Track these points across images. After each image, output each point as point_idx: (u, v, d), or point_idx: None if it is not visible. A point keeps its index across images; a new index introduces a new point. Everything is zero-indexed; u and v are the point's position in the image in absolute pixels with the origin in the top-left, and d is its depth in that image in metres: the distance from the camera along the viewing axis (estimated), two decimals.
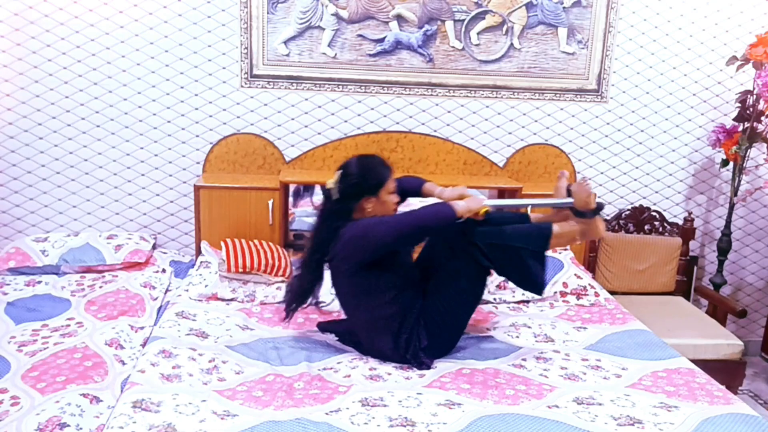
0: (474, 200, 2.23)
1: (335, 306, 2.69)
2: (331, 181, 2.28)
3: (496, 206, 2.34)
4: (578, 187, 2.31)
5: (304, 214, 3.59)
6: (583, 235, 2.35)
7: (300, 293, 2.35)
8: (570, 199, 2.33)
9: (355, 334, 2.36)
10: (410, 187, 2.49)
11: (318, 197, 3.36)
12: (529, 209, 2.33)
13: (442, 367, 2.20)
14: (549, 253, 2.34)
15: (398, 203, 2.35)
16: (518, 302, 2.82)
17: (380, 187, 2.25)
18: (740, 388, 3.20)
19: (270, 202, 3.00)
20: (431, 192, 2.45)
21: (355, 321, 2.32)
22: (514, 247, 2.22)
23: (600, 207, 2.33)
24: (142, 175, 3.20)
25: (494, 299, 2.83)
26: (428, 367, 2.19)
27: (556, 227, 2.28)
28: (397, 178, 2.43)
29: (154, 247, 3.15)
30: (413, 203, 2.50)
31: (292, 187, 3.27)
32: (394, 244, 2.17)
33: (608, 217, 3.47)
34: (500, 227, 2.26)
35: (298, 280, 2.38)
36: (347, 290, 2.29)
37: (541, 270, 2.27)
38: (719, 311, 3.27)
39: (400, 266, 2.28)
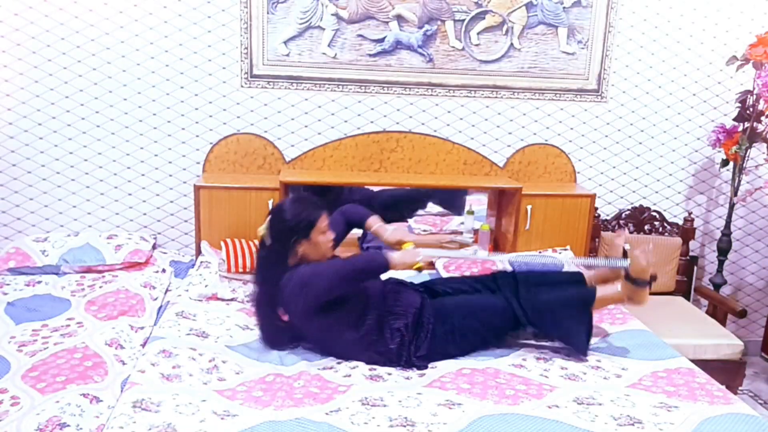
0: (408, 253, 2.26)
1: None
2: (262, 228, 2.27)
3: (430, 257, 2.37)
4: (641, 254, 2.28)
5: None
6: (628, 300, 2.35)
7: (276, 341, 2.31)
8: (625, 263, 2.32)
9: None
10: (354, 220, 2.52)
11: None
12: (420, 259, 2.29)
13: (442, 367, 2.19)
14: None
15: (335, 240, 2.35)
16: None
17: (311, 228, 2.23)
18: (740, 388, 3.20)
19: (270, 202, 2.99)
20: (372, 228, 2.48)
21: (337, 353, 2.26)
22: (556, 312, 2.25)
23: (654, 278, 2.32)
24: (142, 175, 3.21)
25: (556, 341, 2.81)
26: (425, 368, 2.19)
27: (600, 292, 2.31)
28: (341, 209, 2.48)
29: (154, 247, 3.15)
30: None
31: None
32: (333, 293, 2.15)
33: (608, 217, 3.48)
34: (546, 293, 2.29)
35: (263, 332, 2.34)
36: (316, 331, 2.26)
37: (582, 329, 2.29)
38: (719, 311, 3.27)
39: (359, 294, 2.25)
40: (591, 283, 2.49)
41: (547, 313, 2.27)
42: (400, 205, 3.58)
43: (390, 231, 2.44)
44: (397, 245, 2.40)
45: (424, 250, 2.35)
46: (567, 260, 2.66)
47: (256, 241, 2.88)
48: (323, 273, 2.14)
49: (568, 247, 3.19)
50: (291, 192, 3.08)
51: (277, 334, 2.31)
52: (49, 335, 2.30)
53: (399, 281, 2.44)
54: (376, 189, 3.52)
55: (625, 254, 2.43)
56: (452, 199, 3.66)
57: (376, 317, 2.23)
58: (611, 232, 3.42)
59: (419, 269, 2.28)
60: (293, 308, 2.21)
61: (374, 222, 2.49)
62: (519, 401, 1.94)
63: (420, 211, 3.65)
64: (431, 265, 3.00)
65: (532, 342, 2.43)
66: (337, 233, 2.44)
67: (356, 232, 3.38)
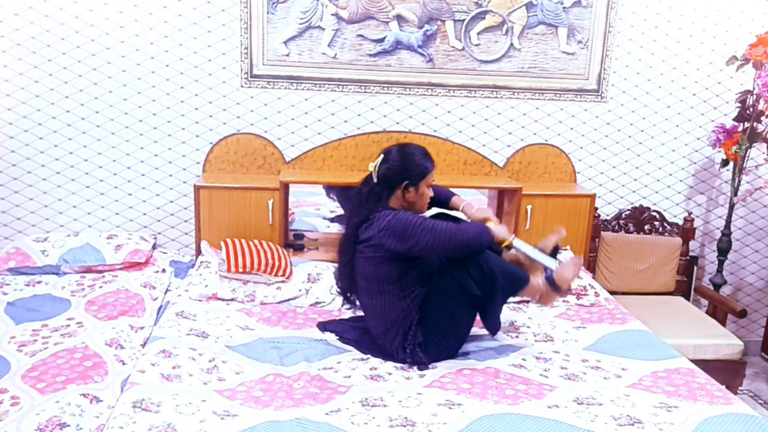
0: (503, 230, 2.29)
1: (335, 305, 2.69)
2: (372, 164, 2.30)
3: (520, 246, 2.34)
4: (573, 264, 2.31)
5: (304, 214, 3.60)
6: (540, 299, 2.35)
7: (349, 280, 2.35)
8: (555, 264, 2.32)
9: (355, 332, 2.36)
10: (440, 198, 2.51)
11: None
12: (513, 240, 2.29)
13: (443, 367, 2.20)
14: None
15: (432, 197, 2.37)
16: (518, 302, 2.82)
17: (422, 178, 2.27)
18: (740, 388, 3.20)
19: (270, 202, 3.00)
20: (458, 206, 2.49)
21: (366, 306, 2.31)
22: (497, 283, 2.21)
23: (568, 291, 2.34)
24: (142, 175, 3.21)
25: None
26: (426, 366, 2.19)
27: (531, 281, 2.30)
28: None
29: (154, 247, 3.15)
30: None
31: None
32: (434, 254, 2.18)
33: (608, 217, 3.48)
34: (494, 261, 2.24)
35: (338, 268, 2.38)
36: (368, 275, 2.26)
37: (498, 309, 2.28)
38: (719, 311, 3.27)
39: (427, 267, 2.28)
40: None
41: (489, 278, 2.20)
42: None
43: (476, 209, 2.44)
44: (483, 222, 2.39)
45: (518, 241, 2.34)
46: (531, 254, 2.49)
47: (256, 241, 2.89)
48: (436, 231, 2.14)
49: (568, 247, 3.19)
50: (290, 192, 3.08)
51: (353, 281, 2.33)
52: (49, 335, 2.30)
53: None
54: None
55: (554, 252, 2.42)
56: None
57: (420, 296, 2.25)
58: (611, 232, 3.42)
59: (508, 246, 2.29)
60: (385, 241, 2.17)
61: (459, 201, 2.51)
62: (519, 401, 1.94)
63: None
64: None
65: (531, 343, 2.43)
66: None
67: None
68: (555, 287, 2.29)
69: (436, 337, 2.23)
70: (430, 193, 2.35)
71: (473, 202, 2.50)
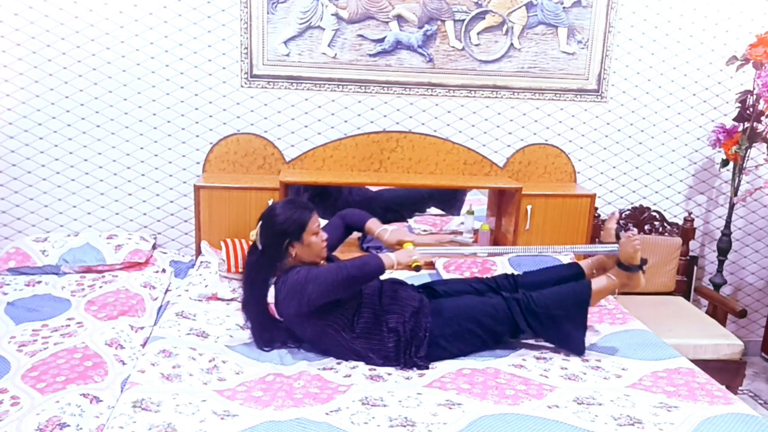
0: (404, 253, 2.27)
1: None
2: (253, 233, 2.28)
3: (426, 255, 2.36)
4: (626, 241, 2.32)
5: None
6: (623, 287, 2.38)
7: (267, 340, 2.31)
8: (615, 247, 2.36)
9: None
10: (353, 223, 2.52)
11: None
12: (419, 256, 2.30)
13: (443, 367, 2.19)
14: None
15: (335, 242, 2.38)
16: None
17: (302, 231, 2.23)
18: (740, 388, 3.20)
19: (270, 202, 2.99)
20: (372, 231, 2.48)
21: (337, 354, 2.26)
22: (554, 316, 2.25)
23: (644, 262, 2.35)
24: (142, 175, 3.21)
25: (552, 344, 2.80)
26: (426, 368, 2.19)
27: (594, 285, 2.33)
28: (341, 213, 2.49)
29: (154, 247, 3.15)
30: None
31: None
32: (328, 298, 2.14)
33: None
34: (544, 296, 2.28)
35: (254, 332, 2.33)
36: (310, 334, 2.26)
37: (580, 332, 2.30)
38: (719, 311, 3.27)
39: (353, 296, 2.24)
40: (589, 273, 2.51)
41: (544, 317, 2.26)
42: (400, 207, 3.58)
43: (389, 232, 2.44)
44: (398, 245, 2.40)
45: (421, 249, 2.35)
46: (560, 249, 2.68)
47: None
48: (318, 278, 2.12)
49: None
50: (290, 192, 3.08)
51: (268, 333, 2.31)
52: (49, 335, 2.30)
53: (397, 281, 2.44)
54: (375, 189, 3.53)
55: (617, 238, 2.45)
56: (450, 201, 3.66)
57: (372, 315, 2.23)
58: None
59: (417, 268, 2.27)
60: (287, 311, 2.21)
61: (373, 225, 2.49)
62: (519, 401, 1.94)
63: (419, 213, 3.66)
64: (431, 265, 3.00)
65: (531, 341, 2.43)
66: (336, 236, 2.46)
67: (357, 233, 3.39)
68: (628, 268, 2.33)
69: (441, 347, 2.23)
70: (322, 238, 2.29)
71: (389, 226, 2.48)
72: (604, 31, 3.31)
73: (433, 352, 2.22)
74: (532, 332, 2.31)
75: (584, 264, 2.54)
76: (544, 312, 2.26)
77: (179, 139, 3.19)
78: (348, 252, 3.18)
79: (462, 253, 2.62)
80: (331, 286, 2.11)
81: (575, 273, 2.51)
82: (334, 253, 2.51)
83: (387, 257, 2.20)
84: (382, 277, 2.32)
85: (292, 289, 2.16)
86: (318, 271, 2.17)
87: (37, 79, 3.03)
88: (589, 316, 2.72)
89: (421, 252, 2.33)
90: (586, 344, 2.33)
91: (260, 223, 2.27)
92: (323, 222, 2.44)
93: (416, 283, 2.53)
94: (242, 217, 3.01)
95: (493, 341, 2.31)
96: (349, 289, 2.17)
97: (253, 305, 2.31)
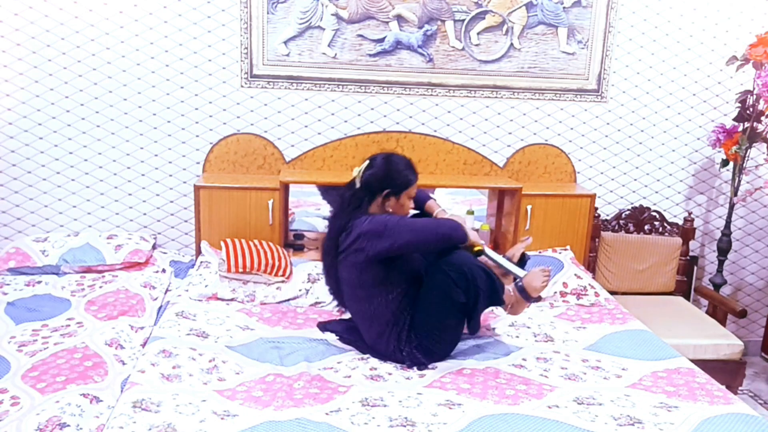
0: (476, 235, 2.33)
1: (335, 305, 2.69)
2: (357, 170, 2.31)
3: (485, 253, 2.37)
4: (539, 274, 2.33)
5: (304, 214, 3.60)
6: (511, 308, 2.38)
7: (334, 283, 2.36)
8: (522, 273, 2.36)
9: (356, 332, 2.36)
10: (417, 199, 2.52)
11: None
12: (484, 246, 2.33)
13: (442, 367, 2.20)
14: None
15: (412, 208, 2.40)
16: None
17: (404, 188, 2.29)
18: (740, 388, 3.20)
19: (270, 202, 3.00)
20: (432, 210, 2.51)
21: (355, 313, 2.33)
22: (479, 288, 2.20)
23: (539, 298, 2.36)
24: (142, 175, 3.21)
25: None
26: (425, 366, 2.19)
27: (507, 289, 2.33)
28: None
29: (154, 247, 3.15)
30: None
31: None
32: (412, 249, 2.21)
33: (608, 217, 3.48)
34: (476, 267, 2.23)
35: (324, 270, 2.39)
36: (353, 281, 2.27)
37: (480, 316, 2.28)
38: (719, 311, 3.27)
39: (409, 265, 2.29)
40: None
41: (475, 289, 2.18)
42: None
43: (449, 215, 2.47)
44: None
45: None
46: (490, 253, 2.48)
47: (256, 241, 2.89)
48: (410, 226, 2.17)
49: (568, 247, 3.19)
50: (288, 188, 3.07)
51: (337, 284, 2.34)
52: (49, 335, 2.30)
53: None
54: None
55: (521, 260, 2.46)
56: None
57: (408, 296, 2.25)
58: (611, 232, 3.42)
59: (479, 253, 2.31)
60: (364, 245, 2.17)
61: (433, 205, 2.54)
62: (519, 401, 1.94)
63: None
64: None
65: (531, 341, 2.43)
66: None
67: None
68: (525, 295, 2.33)
69: (429, 340, 2.22)
70: (411, 205, 2.35)
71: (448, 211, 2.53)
72: (604, 31, 3.31)
73: (426, 344, 2.22)
74: (464, 295, 2.21)
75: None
76: (471, 277, 2.18)
77: (179, 139, 3.19)
78: None
79: (509, 269, 2.51)
80: (422, 238, 2.17)
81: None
82: None
83: (469, 232, 2.25)
84: None
85: (379, 229, 2.16)
86: (415, 220, 2.22)
87: (37, 79, 3.03)
88: (588, 316, 2.73)
89: (488, 249, 2.36)
90: (592, 341, 2.31)
91: (368, 163, 2.30)
92: None
93: None
94: (242, 217, 3.01)
95: (459, 315, 2.26)
96: (433, 247, 2.23)
97: (332, 239, 2.29)
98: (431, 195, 2.61)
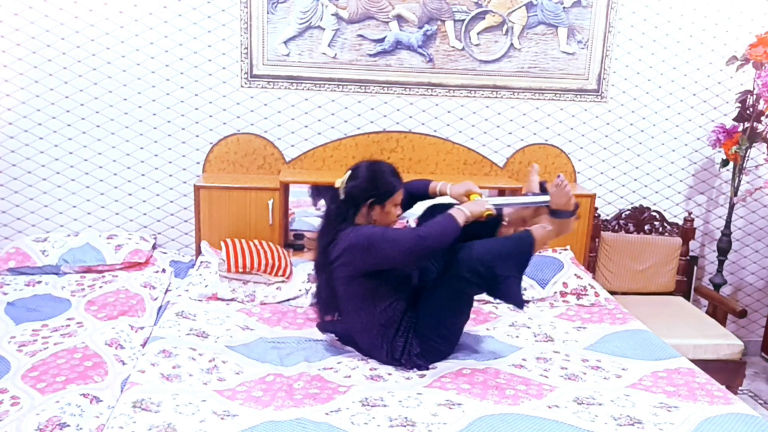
0: (476, 204, 2.21)
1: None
2: (339, 180, 2.26)
3: (497, 206, 2.30)
4: (557, 189, 2.26)
5: (304, 214, 3.60)
6: (556, 234, 2.30)
7: (327, 301, 2.34)
8: (547, 198, 2.28)
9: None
10: (418, 191, 2.48)
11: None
12: (492, 207, 2.24)
13: (442, 367, 2.20)
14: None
15: (400, 215, 2.34)
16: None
17: (389, 196, 2.23)
18: (740, 388, 3.20)
19: (270, 202, 3.00)
20: (437, 191, 2.43)
21: (350, 324, 2.29)
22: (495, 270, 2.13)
23: (577, 206, 2.29)
24: (142, 175, 3.21)
25: (495, 299, 2.82)
26: (426, 368, 2.19)
27: (535, 232, 2.23)
28: (404, 183, 2.41)
29: (154, 247, 3.15)
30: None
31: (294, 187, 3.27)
32: (399, 263, 2.15)
33: (608, 217, 3.48)
34: (488, 252, 2.15)
35: (317, 287, 2.39)
36: (344, 294, 2.25)
37: (519, 287, 2.20)
38: (719, 311, 3.27)
39: (399, 274, 2.26)
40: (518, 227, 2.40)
41: (487, 274, 2.13)
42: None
43: (455, 186, 2.39)
44: (465, 197, 2.34)
45: (492, 199, 2.30)
46: (490, 200, 2.36)
47: (256, 241, 2.89)
48: (395, 239, 2.10)
49: (568, 247, 3.19)
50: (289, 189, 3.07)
51: (331, 302, 2.31)
52: (49, 335, 2.30)
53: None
54: None
55: (542, 189, 2.37)
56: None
57: (399, 307, 2.22)
58: (612, 232, 3.42)
59: (490, 215, 2.22)
60: (349, 259, 2.15)
61: (436, 186, 2.45)
62: (519, 401, 1.94)
63: None
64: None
65: (530, 341, 2.43)
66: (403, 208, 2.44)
67: None
68: (564, 215, 2.26)
69: (431, 345, 2.22)
70: (398, 212, 2.29)
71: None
72: (604, 31, 3.31)
73: (426, 345, 2.21)
74: (483, 290, 2.22)
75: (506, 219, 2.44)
76: (485, 269, 2.13)
77: (179, 139, 3.19)
78: None
79: (531, 202, 2.46)
80: (408, 252, 2.08)
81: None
82: None
83: (460, 212, 2.16)
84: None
85: (364, 242, 2.11)
86: (397, 232, 2.14)
87: (37, 79, 3.03)
88: (588, 316, 2.73)
89: (493, 202, 2.27)
90: (592, 341, 2.30)
91: (350, 173, 2.25)
92: None
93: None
94: (242, 217, 3.01)
95: (464, 308, 2.25)
96: (422, 260, 2.17)
97: (321, 255, 2.27)
98: (429, 181, 2.50)
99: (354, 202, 2.23)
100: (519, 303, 2.18)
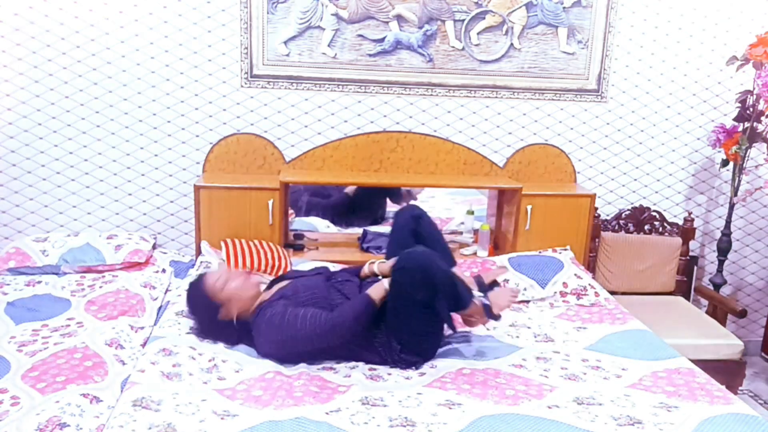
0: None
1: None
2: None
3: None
4: (507, 291, 2.32)
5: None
6: (467, 318, 2.30)
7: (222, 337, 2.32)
8: (487, 301, 2.26)
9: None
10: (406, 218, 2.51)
11: None
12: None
13: (442, 367, 2.19)
14: None
15: (401, 242, 2.34)
16: (518, 302, 2.82)
17: (212, 300, 2.25)
18: (740, 388, 3.20)
19: (270, 202, 3.00)
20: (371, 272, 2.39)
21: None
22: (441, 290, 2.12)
23: (499, 316, 2.28)
24: (142, 175, 3.21)
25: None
26: (421, 364, 2.18)
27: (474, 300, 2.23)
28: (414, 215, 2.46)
29: (154, 247, 3.14)
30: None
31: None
32: (317, 349, 2.14)
33: (608, 217, 3.48)
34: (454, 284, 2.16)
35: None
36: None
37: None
38: (719, 311, 3.27)
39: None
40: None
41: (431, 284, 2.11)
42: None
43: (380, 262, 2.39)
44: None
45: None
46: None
47: (257, 241, 2.89)
48: (303, 332, 2.09)
49: (568, 247, 3.19)
50: (290, 191, 3.07)
51: (223, 331, 2.29)
52: (49, 335, 2.30)
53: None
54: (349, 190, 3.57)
55: (491, 285, 2.42)
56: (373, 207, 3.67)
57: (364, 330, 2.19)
58: (612, 232, 3.42)
59: None
60: (271, 350, 2.18)
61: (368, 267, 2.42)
62: (519, 401, 1.94)
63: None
64: None
65: (531, 341, 2.43)
66: (402, 234, 2.46)
67: (356, 232, 3.39)
68: (488, 311, 2.23)
69: (412, 347, 2.19)
70: (253, 282, 2.32)
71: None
72: (604, 31, 3.31)
73: (406, 349, 2.20)
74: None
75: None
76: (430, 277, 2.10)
77: (179, 139, 3.19)
78: (348, 252, 3.19)
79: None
80: (324, 341, 2.11)
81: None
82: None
83: (379, 288, 2.15)
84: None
85: (278, 338, 2.13)
86: (302, 322, 2.10)
87: (37, 79, 3.03)
88: (588, 316, 2.73)
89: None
90: (592, 341, 2.29)
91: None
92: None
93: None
94: (242, 217, 3.01)
95: (432, 317, 2.22)
96: (348, 339, 2.15)
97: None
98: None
99: (212, 324, 2.27)
100: (449, 327, 2.21)
